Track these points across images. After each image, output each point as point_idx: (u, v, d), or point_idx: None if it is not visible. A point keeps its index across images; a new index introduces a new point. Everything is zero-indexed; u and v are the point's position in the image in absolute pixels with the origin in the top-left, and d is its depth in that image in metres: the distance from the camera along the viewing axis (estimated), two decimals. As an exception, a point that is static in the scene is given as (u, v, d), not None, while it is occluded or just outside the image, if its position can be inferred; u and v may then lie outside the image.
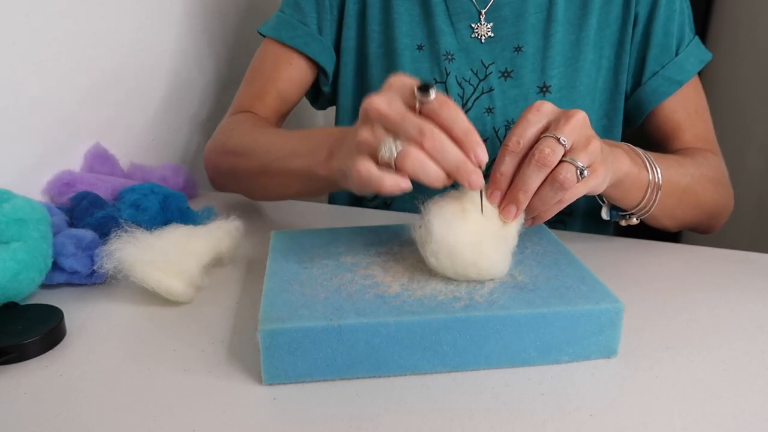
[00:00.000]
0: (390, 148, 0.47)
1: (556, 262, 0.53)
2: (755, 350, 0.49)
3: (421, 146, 0.47)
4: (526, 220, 0.52)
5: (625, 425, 0.41)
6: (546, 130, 0.51)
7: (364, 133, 0.49)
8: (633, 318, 0.53)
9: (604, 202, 0.67)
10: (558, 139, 0.49)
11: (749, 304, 0.56)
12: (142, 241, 0.56)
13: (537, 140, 0.50)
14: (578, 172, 0.49)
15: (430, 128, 0.47)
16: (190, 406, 0.43)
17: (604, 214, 0.66)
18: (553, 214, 0.53)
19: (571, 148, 0.50)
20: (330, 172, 0.57)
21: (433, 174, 0.47)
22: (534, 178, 0.49)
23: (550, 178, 0.49)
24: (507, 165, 0.51)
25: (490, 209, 0.51)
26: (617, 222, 0.67)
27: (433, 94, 0.47)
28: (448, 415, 0.42)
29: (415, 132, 0.47)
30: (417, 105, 0.48)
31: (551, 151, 0.49)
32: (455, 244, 0.48)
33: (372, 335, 0.44)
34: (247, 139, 0.72)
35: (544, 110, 0.51)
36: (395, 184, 0.47)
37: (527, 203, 0.50)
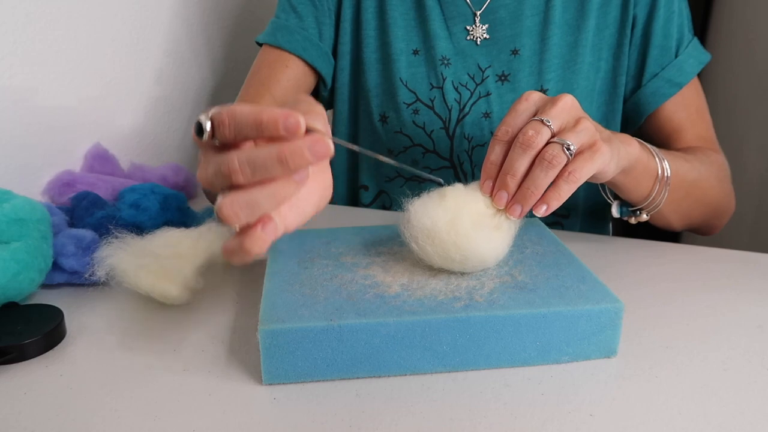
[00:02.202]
0: (216, 216, 0.39)
1: (556, 262, 0.53)
2: (755, 350, 0.49)
3: (238, 185, 0.38)
4: (537, 206, 0.51)
5: (625, 425, 0.41)
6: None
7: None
8: (633, 318, 0.53)
9: (612, 201, 0.67)
10: (542, 121, 0.50)
11: (749, 304, 0.56)
12: (133, 246, 0.55)
13: None
14: (565, 149, 0.49)
15: (228, 160, 0.38)
16: (190, 406, 0.43)
17: (615, 212, 0.66)
18: (562, 201, 0.51)
19: (560, 130, 0.50)
20: None
21: (270, 199, 0.38)
22: (520, 161, 0.50)
23: (539, 159, 0.49)
24: (496, 154, 0.51)
25: (476, 195, 0.51)
26: (626, 220, 0.67)
27: (204, 121, 0.39)
28: (448, 415, 0.42)
29: (221, 178, 0.38)
30: (215, 143, 0.40)
31: (535, 132, 0.49)
32: (432, 225, 0.48)
33: (372, 335, 0.44)
34: None
35: (532, 99, 0.52)
36: (258, 241, 0.39)
37: (516, 187, 0.50)
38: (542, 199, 0.50)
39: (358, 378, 0.46)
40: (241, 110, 0.38)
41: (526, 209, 0.50)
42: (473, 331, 0.45)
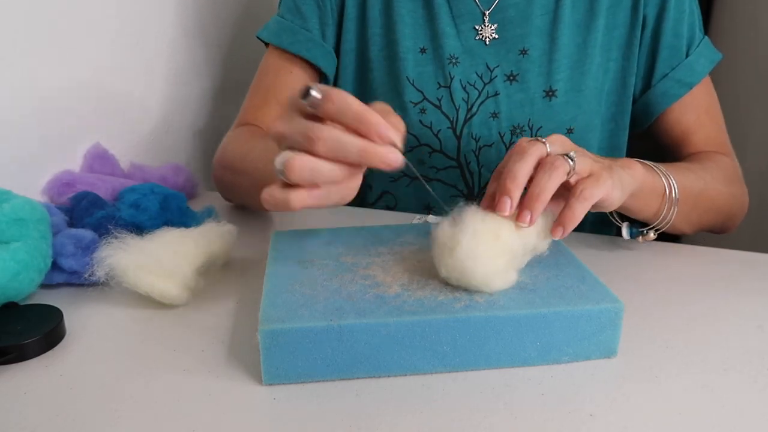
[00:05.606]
0: (280, 163, 0.45)
1: (556, 262, 0.53)
2: (755, 350, 0.49)
3: (314, 152, 0.44)
4: (554, 229, 0.50)
5: (625, 425, 0.41)
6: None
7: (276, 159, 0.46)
8: (633, 318, 0.53)
9: (620, 223, 0.66)
10: (538, 139, 0.52)
11: (749, 304, 0.56)
12: (132, 246, 0.55)
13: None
14: (566, 158, 0.50)
15: (317, 129, 0.44)
16: (190, 406, 0.43)
17: (625, 234, 0.66)
18: (577, 221, 0.50)
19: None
20: None
21: (328, 174, 0.45)
22: (519, 166, 0.50)
23: (541, 164, 0.50)
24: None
25: (514, 232, 0.49)
26: (635, 239, 0.67)
27: (315, 92, 0.44)
28: (448, 415, 0.42)
29: (303, 139, 0.45)
30: (308, 109, 0.45)
31: (529, 144, 0.51)
32: (474, 269, 0.46)
33: (372, 335, 0.44)
34: (240, 156, 0.72)
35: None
36: (300, 200, 0.45)
37: (520, 192, 0.49)
38: (558, 221, 0.50)
39: (358, 378, 0.46)
40: (352, 100, 0.44)
41: (536, 216, 0.49)
42: (473, 331, 0.45)
